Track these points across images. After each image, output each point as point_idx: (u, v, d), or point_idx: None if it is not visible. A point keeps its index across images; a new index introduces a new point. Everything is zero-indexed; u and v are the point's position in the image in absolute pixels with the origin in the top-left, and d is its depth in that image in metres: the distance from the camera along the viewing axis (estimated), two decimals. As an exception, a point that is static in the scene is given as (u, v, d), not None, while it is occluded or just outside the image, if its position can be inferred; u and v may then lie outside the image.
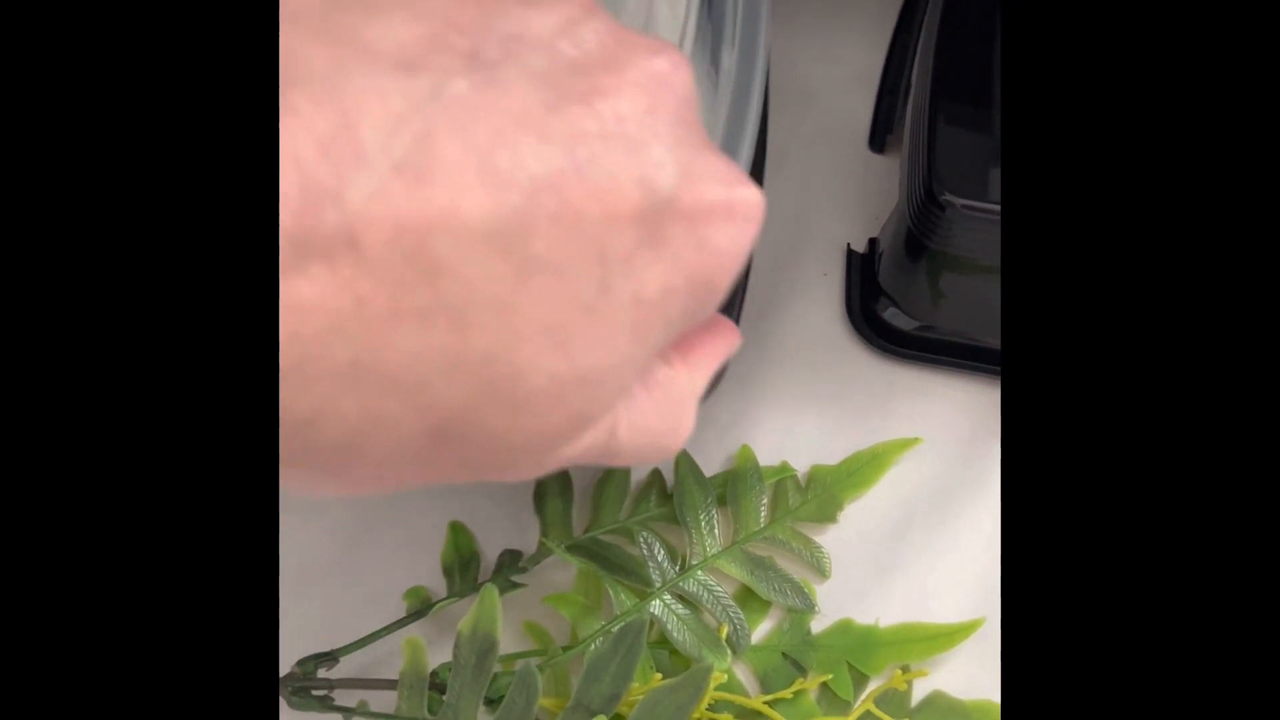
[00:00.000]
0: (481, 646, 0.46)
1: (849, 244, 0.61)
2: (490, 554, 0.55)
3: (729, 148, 0.48)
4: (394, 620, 0.52)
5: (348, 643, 0.51)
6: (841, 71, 0.66)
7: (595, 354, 0.27)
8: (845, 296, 0.60)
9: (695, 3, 0.50)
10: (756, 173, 0.55)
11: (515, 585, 0.50)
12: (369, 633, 0.51)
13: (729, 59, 0.55)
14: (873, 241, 0.60)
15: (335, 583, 0.55)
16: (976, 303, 0.53)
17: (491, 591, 0.46)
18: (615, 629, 0.47)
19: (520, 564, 0.52)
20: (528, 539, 0.55)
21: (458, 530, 0.55)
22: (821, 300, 0.60)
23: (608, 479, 0.55)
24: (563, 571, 0.54)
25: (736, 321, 0.51)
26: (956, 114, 0.52)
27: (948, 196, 0.50)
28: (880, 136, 0.64)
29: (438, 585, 0.54)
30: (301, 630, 0.53)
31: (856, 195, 0.63)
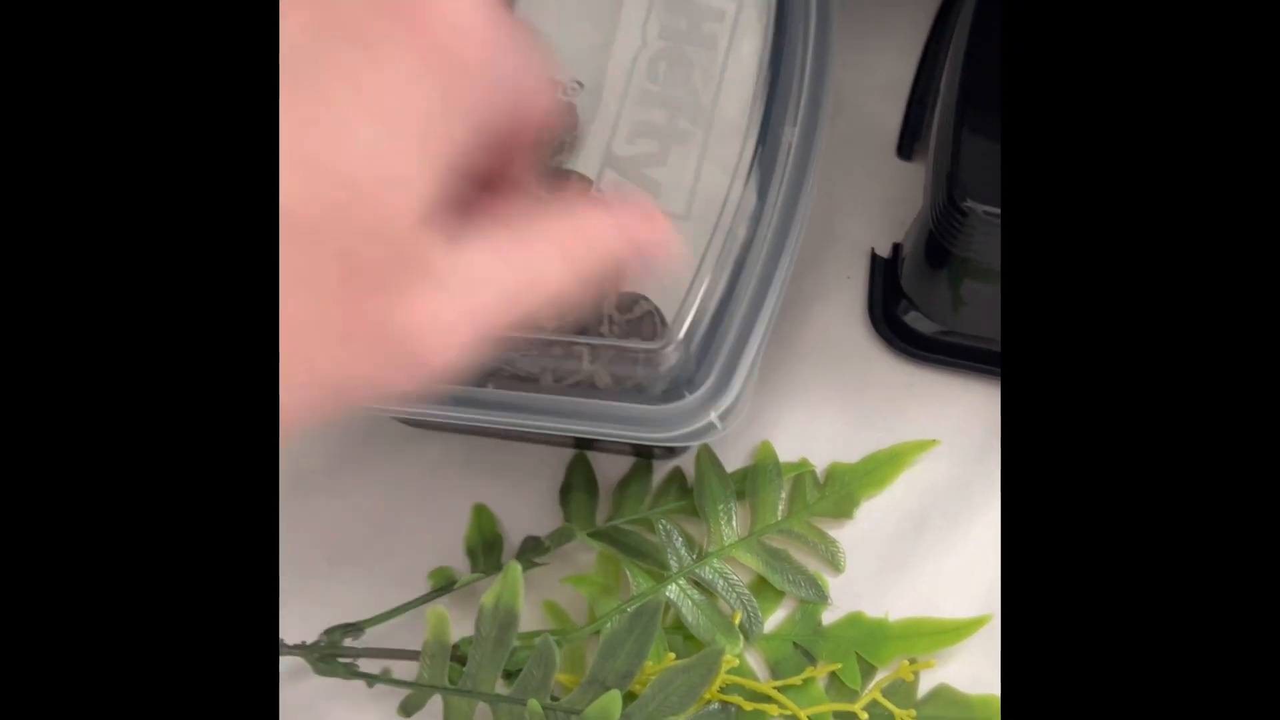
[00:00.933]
0: (503, 620, 0.48)
1: (873, 248, 0.62)
2: (513, 539, 0.56)
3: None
4: (418, 596, 0.53)
5: (375, 615, 0.52)
6: (872, 80, 0.67)
7: None
8: (868, 299, 0.61)
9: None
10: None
11: (537, 564, 0.52)
12: (394, 607, 0.53)
13: (790, 134, 0.58)
14: (896, 246, 0.61)
15: (364, 561, 0.57)
16: (996, 308, 0.55)
17: (515, 568, 0.48)
18: (631, 609, 0.48)
19: (542, 545, 0.53)
20: (548, 527, 0.56)
21: (481, 513, 0.57)
22: (844, 302, 0.61)
23: (632, 476, 0.56)
24: (583, 558, 0.55)
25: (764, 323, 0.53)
26: (982, 122, 0.54)
27: (970, 203, 0.51)
28: (908, 144, 0.65)
29: (461, 566, 0.56)
30: (331, 604, 0.55)
31: (882, 200, 0.64)
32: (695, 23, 0.65)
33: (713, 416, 0.48)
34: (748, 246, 0.56)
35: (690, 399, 0.49)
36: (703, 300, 0.54)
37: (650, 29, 0.67)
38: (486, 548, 0.55)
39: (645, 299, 0.58)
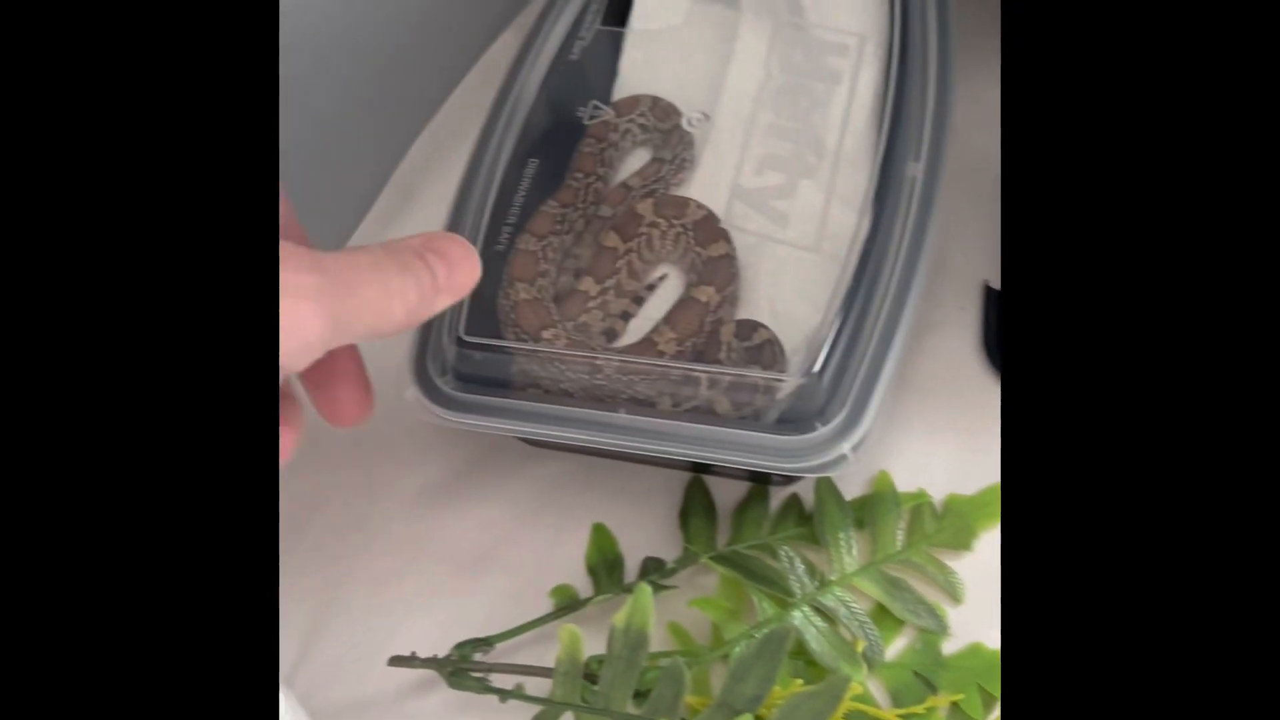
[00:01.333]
0: (634, 640, 0.49)
1: (985, 281, 0.63)
2: (631, 559, 0.58)
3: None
4: (542, 614, 0.55)
5: (498, 632, 0.54)
6: (981, 111, 0.68)
7: None
8: (982, 331, 0.62)
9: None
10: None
11: (663, 587, 0.53)
12: (519, 624, 0.54)
13: (914, 169, 0.59)
14: (1013, 281, 0.62)
15: (486, 577, 0.58)
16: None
17: (645, 590, 0.49)
18: (760, 634, 0.49)
19: (667, 568, 0.55)
20: (666, 549, 0.57)
21: (601, 532, 0.58)
22: (958, 334, 0.62)
23: (749, 501, 0.57)
24: (702, 581, 0.56)
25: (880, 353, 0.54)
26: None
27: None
28: (1022, 179, 0.66)
29: (581, 584, 0.57)
30: (455, 618, 0.57)
31: (992, 233, 0.65)
32: (818, 58, 0.66)
33: (846, 449, 0.49)
34: (875, 280, 0.57)
35: (823, 431, 0.50)
36: (835, 333, 0.55)
37: (773, 63, 0.68)
38: (608, 567, 0.57)
39: (764, 327, 0.59)
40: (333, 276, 0.37)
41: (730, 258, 0.62)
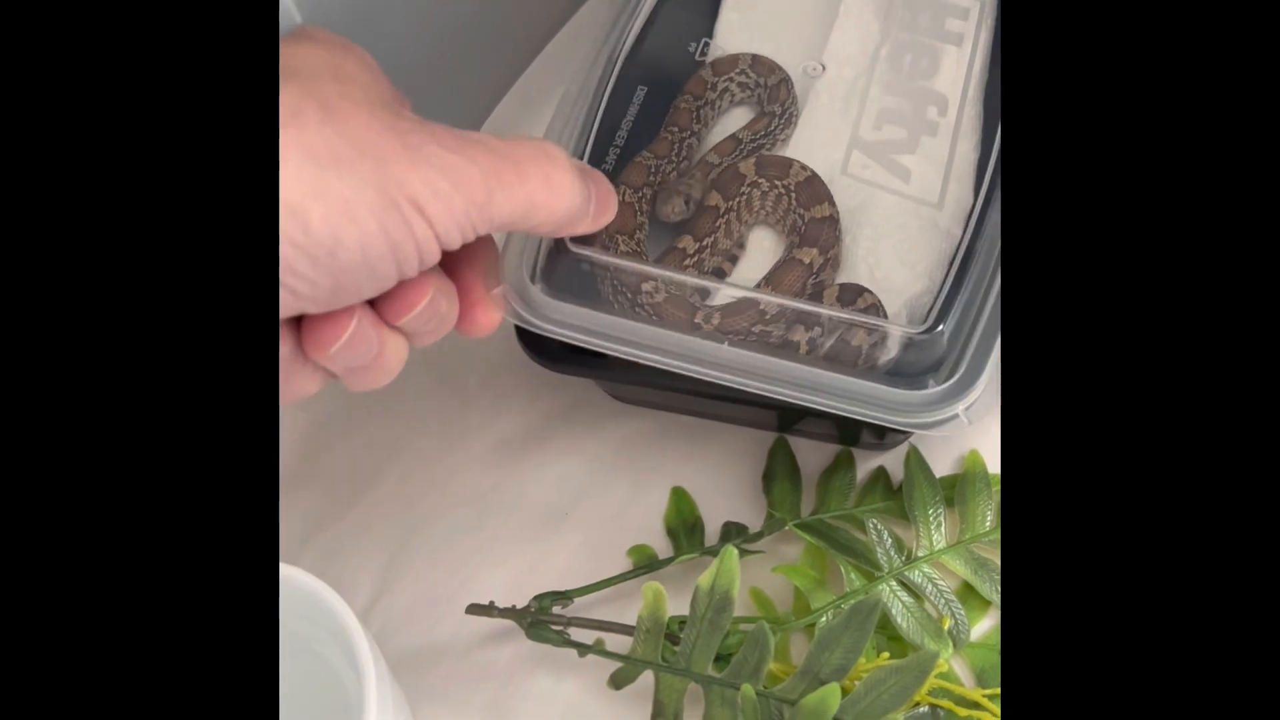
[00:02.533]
0: (719, 602, 0.48)
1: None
2: (710, 522, 0.57)
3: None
4: (620, 572, 0.54)
5: (573, 588, 0.53)
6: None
7: None
8: (1083, 315, 0.60)
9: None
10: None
11: (748, 551, 0.52)
12: (595, 581, 0.53)
13: None
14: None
15: (564, 532, 0.58)
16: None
17: (732, 553, 0.48)
18: (848, 605, 0.48)
19: (751, 534, 0.54)
20: (746, 514, 0.56)
21: (680, 495, 0.57)
22: (1057, 316, 0.60)
23: (835, 468, 0.56)
24: (784, 550, 0.55)
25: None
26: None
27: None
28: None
29: (659, 544, 0.57)
30: (530, 572, 0.56)
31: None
32: (939, 18, 0.64)
33: (960, 409, 0.48)
34: (989, 252, 0.56)
35: (937, 389, 0.49)
36: (946, 295, 0.53)
37: (884, 21, 0.67)
38: (688, 529, 0.56)
39: (868, 291, 0.58)
40: (500, 153, 0.37)
41: (834, 220, 0.60)
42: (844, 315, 0.55)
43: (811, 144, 0.67)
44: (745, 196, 0.62)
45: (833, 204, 0.61)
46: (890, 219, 0.64)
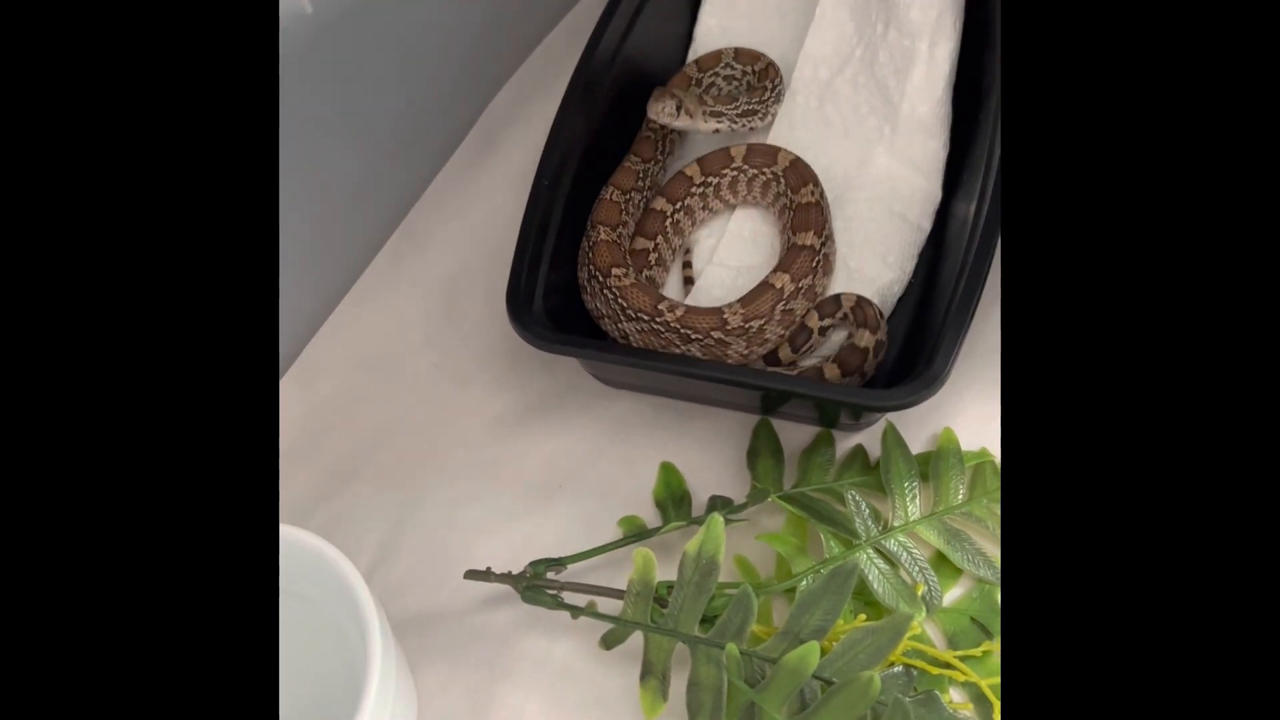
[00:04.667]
0: (705, 567, 0.51)
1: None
2: (698, 496, 0.60)
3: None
4: (611, 541, 0.57)
5: (570, 554, 0.56)
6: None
7: None
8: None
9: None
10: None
11: (733, 520, 0.55)
12: (590, 548, 0.56)
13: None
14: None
15: (557, 505, 0.60)
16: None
17: (718, 520, 0.51)
18: (827, 570, 0.51)
19: (736, 506, 0.56)
20: (732, 489, 0.59)
21: (669, 470, 0.60)
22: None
23: (815, 446, 0.59)
24: (767, 522, 0.58)
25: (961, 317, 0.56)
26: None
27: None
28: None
29: (648, 516, 0.59)
30: (524, 541, 0.59)
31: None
32: (910, 20, 0.67)
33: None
34: (953, 247, 0.60)
35: (913, 380, 0.53)
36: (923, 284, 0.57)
37: (853, 31, 0.70)
38: (675, 501, 0.59)
39: (842, 295, 0.61)
40: None
41: (821, 205, 0.63)
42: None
43: (788, 142, 0.70)
44: (729, 178, 0.65)
45: (817, 184, 0.64)
46: (862, 213, 0.67)
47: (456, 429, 0.63)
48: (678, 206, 0.65)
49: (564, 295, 0.63)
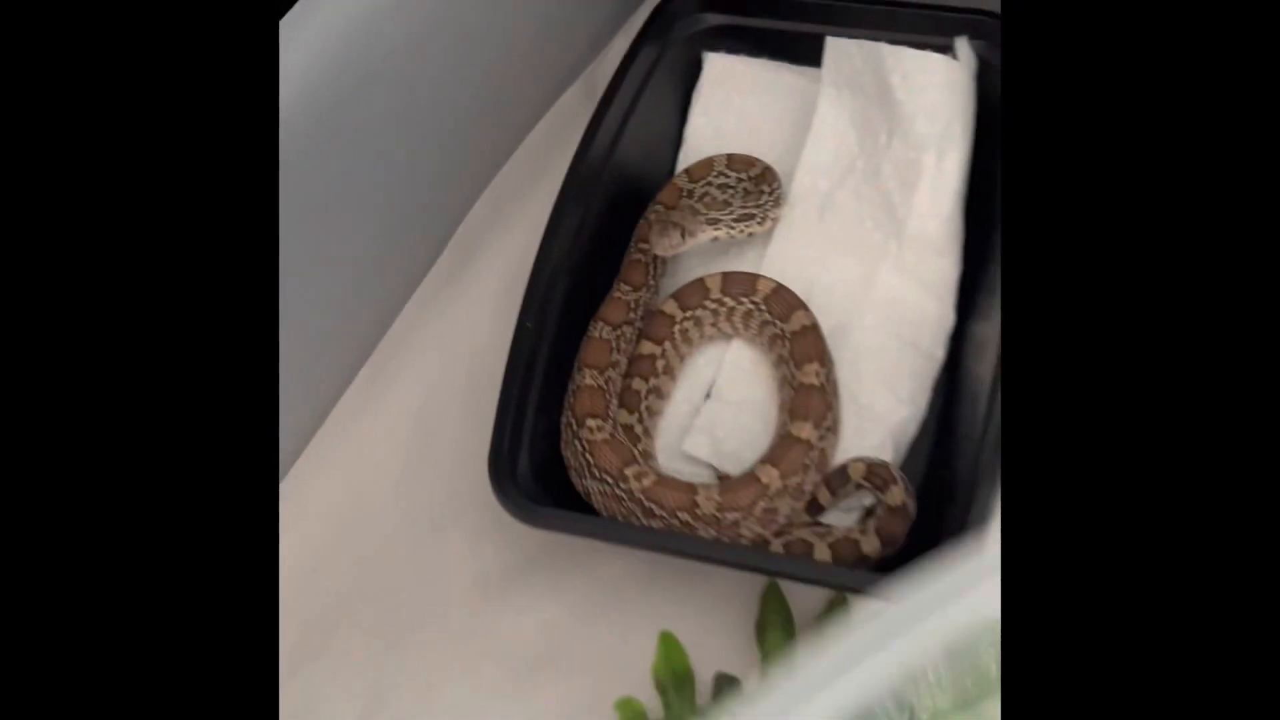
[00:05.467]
0: (718, 782, 0.45)
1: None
2: (703, 671, 0.54)
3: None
4: (607, 729, 0.51)
5: (561, 748, 0.51)
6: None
7: None
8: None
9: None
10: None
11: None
12: (584, 741, 0.51)
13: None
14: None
15: (548, 681, 0.55)
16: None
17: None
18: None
19: (744, 692, 0.51)
20: (740, 661, 0.54)
21: (669, 643, 0.55)
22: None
23: (830, 613, 0.54)
24: (778, 699, 0.53)
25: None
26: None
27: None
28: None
29: (647, 696, 0.54)
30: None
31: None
32: (916, 129, 0.63)
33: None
34: (971, 374, 0.56)
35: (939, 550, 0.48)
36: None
37: (853, 140, 0.65)
38: (678, 683, 0.53)
39: (852, 462, 0.56)
40: None
41: (816, 329, 0.59)
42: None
43: (785, 258, 0.65)
44: (711, 310, 0.61)
45: (807, 310, 0.59)
46: (869, 340, 0.62)
47: (433, 592, 0.58)
48: (664, 348, 0.60)
49: (552, 442, 0.58)
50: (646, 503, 0.54)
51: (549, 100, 0.73)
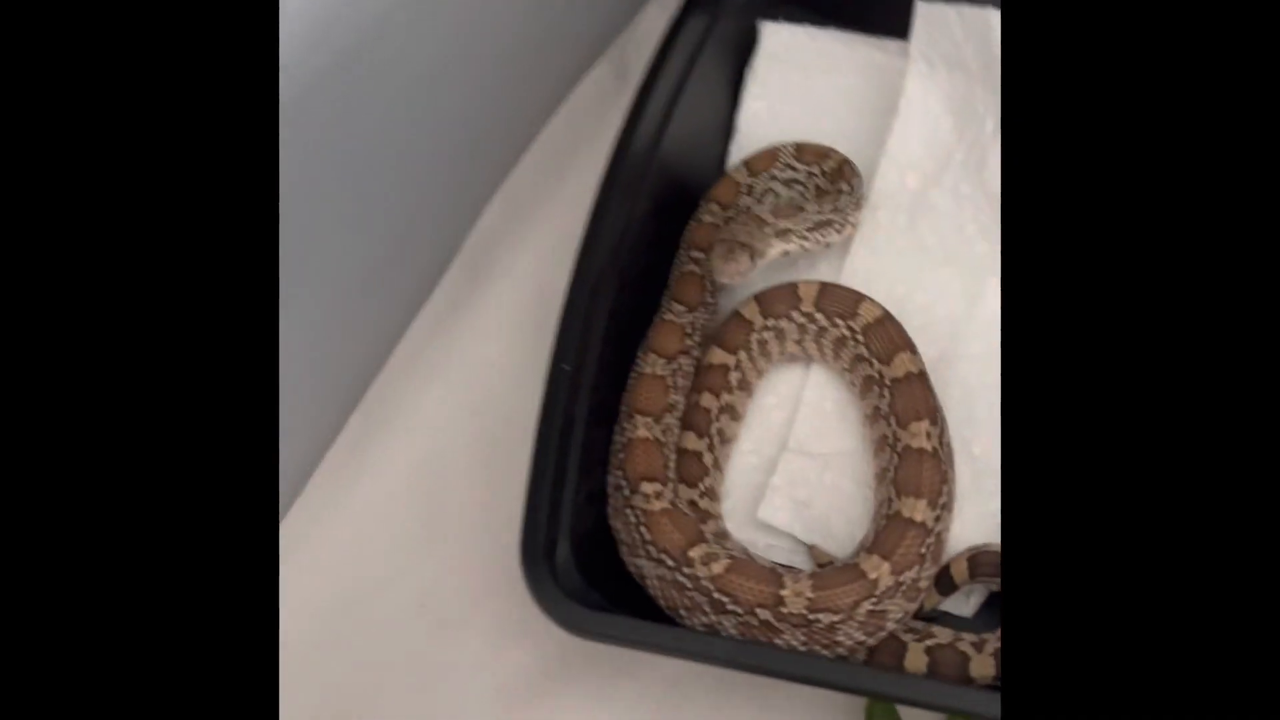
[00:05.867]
0: None
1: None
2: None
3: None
4: None
5: None
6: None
7: None
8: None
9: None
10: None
11: None
12: None
13: None
14: None
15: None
16: None
17: None
18: None
19: None
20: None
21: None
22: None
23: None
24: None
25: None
26: None
27: None
28: None
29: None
30: None
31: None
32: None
33: None
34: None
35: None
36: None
37: (968, 116, 0.53)
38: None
39: (952, 564, 0.44)
40: None
41: (924, 379, 0.47)
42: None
43: (869, 273, 0.53)
44: (798, 325, 0.49)
45: (914, 351, 0.48)
46: (979, 375, 0.51)
47: (445, 703, 0.46)
48: (738, 358, 0.49)
49: (598, 509, 0.46)
50: (716, 594, 0.42)
51: (570, 81, 0.61)
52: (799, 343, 0.50)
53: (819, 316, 0.50)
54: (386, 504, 0.51)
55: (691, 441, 0.48)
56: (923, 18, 0.54)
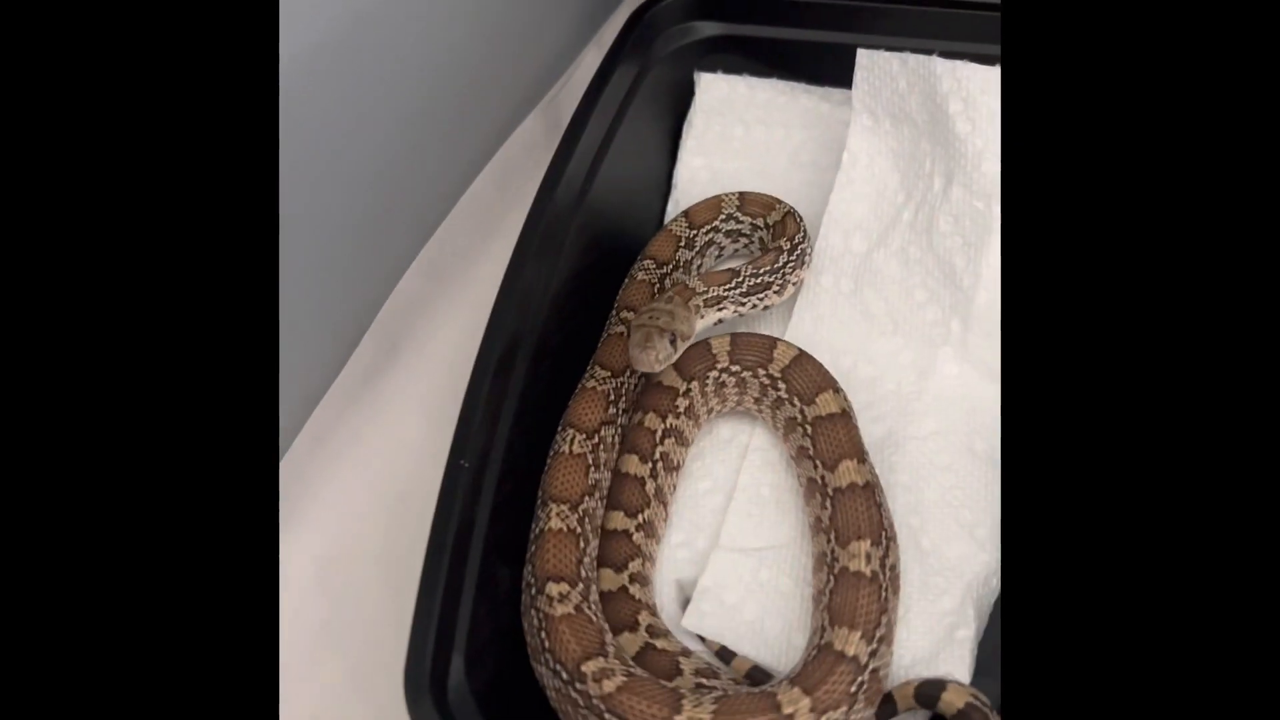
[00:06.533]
0: None
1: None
2: None
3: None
4: None
5: None
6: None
7: None
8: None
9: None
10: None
11: None
12: None
13: None
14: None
15: None
16: None
17: None
18: None
19: None
20: None
21: None
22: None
23: None
24: None
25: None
26: None
27: None
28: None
29: None
30: None
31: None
32: (983, 167, 0.48)
33: None
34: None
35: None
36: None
37: (915, 175, 0.50)
38: None
39: (895, 692, 0.40)
40: None
41: (847, 415, 0.43)
42: None
43: (811, 346, 0.49)
44: (715, 380, 0.45)
45: (838, 391, 0.45)
46: (930, 455, 0.47)
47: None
48: (667, 425, 0.45)
49: (512, 606, 0.42)
50: (607, 714, 0.37)
51: (499, 136, 0.57)
52: (722, 399, 0.47)
53: (734, 368, 0.46)
54: (285, 604, 0.46)
55: (619, 521, 0.44)
56: (864, 67, 0.50)
